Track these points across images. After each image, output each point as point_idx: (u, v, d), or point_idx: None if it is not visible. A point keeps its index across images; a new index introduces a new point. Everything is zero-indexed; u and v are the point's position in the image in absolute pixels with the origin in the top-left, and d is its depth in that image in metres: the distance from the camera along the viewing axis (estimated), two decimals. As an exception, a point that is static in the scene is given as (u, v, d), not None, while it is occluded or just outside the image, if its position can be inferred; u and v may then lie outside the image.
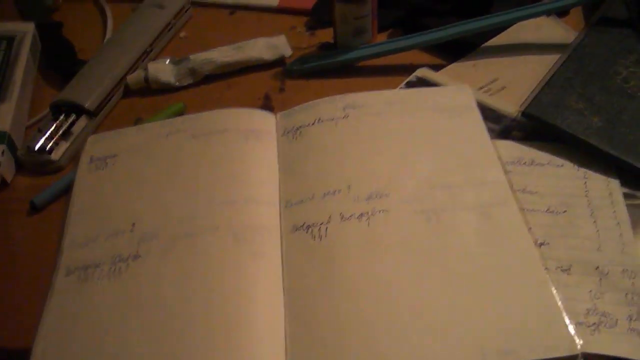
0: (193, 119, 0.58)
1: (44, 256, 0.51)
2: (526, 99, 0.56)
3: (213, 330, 0.43)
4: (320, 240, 0.48)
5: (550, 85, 0.55)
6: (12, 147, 0.59)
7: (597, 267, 0.44)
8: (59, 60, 0.71)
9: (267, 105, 0.62)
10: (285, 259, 0.47)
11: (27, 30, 0.69)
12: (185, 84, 0.65)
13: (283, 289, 0.46)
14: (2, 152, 0.57)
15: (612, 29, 0.61)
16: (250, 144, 0.55)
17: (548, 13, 0.64)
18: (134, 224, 0.50)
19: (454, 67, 0.63)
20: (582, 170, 0.51)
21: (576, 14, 0.68)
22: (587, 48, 0.59)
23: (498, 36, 0.65)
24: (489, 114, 0.56)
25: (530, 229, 0.47)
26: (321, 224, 0.49)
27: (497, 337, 0.41)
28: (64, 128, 0.60)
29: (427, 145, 0.53)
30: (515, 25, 0.65)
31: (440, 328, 0.42)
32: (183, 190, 0.52)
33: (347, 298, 0.44)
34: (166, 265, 0.47)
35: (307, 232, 0.48)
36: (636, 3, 0.63)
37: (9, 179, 0.58)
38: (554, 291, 0.43)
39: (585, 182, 0.50)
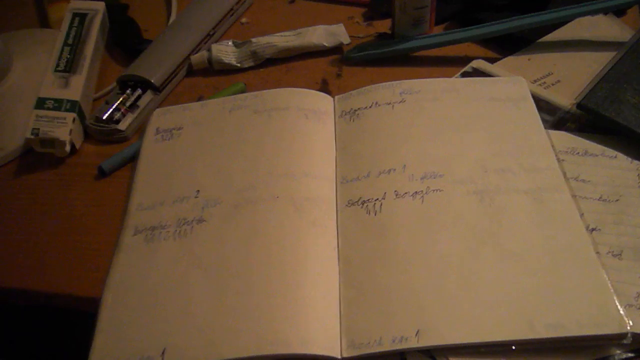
0: (255, 96, 0.61)
1: (111, 217, 0.54)
2: (581, 92, 0.57)
3: (272, 291, 0.45)
4: (375, 214, 0.50)
5: (606, 79, 0.56)
6: (81, 116, 0.62)
7: (649, 254, 0.45)
8: (125, 39, 0.74)
9: (325, 89, 0.64)
10: (341, 231, 0.50)
11: (98, 8, 0.72)
12: (246, 66, 0.68)
13: (338, 257, 0.48)
14: (73, 120, 0.61)
15: (670, 28, 0.62)
16: (310, 123, 0.57)
17: (605, 11, 0.65)
18: (198, 191, 0.52)
19: (509, 60, 0.64)
20: (635, 162, 0.52)
21: (634, 13, 0.69)
22: (645, 45, 0.60)
23: (554, 32, 0.66)
24: (543, 106, 0.58)
25: (582, 214, 0.48)
26: (376, 199, 0.51)
27: (546, 311, 0.42)
28: (130, 101, 0.64)
29: (481, 131, 0.55)
30: (571, 22, 0.66)
31: (490, 300, 0.43)
32: (245, 161, 0.54)
33: (400, 269, 0.46)
34: (229, 228, 0.49)
35: (362, 207, 0.50)
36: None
37: (78, 145, 0.62)
38: (604, 273, 0.44)
39: (638, 174, 0.51)
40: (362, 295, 0.45)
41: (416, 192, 0.50)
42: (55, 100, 0.62)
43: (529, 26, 0.63)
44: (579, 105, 0.55)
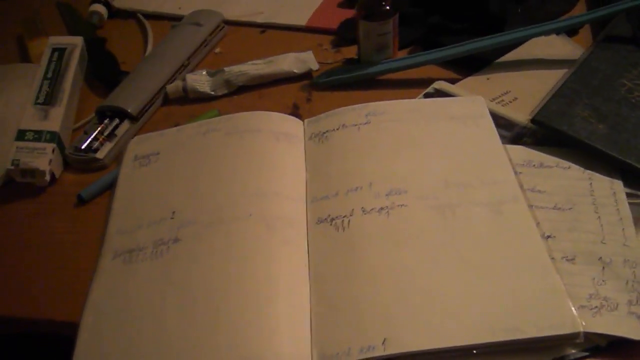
0: (228, 119, 0.63)
1: (90, 242, 0.56)
2: (535, 108, 0.60)
3: (245, 307, 0.47)
4: (343, 231, 0.52)
5: (558, 95, 0.59)
6: (61, 146, 0.65)
7: (600, 258, 0.48)
8: (103, 71, 0.77)
9: (296, 113, 0.67)
10: (311, 248, 0.52)
11: (76, 43, 0.75)
12: (220, 93, 0.71)
13: (309, 274, 0.50)
14: (53, 150, 0.63)
15: (617, 46, 0.65)
16: (280, 145, 0.60)
17: (558, 32, 0.69)
18: (174, 212, 0.54)
19: (469, 80, 0.68)
20: (588, 172, 0.55)
21: (585, 33, 0.73)
22: (594, 62, 0.63)
23: (511, 52, 0.70)
24: (502, 122, 0.61)
25: (538, 223, 0.51)
26: (344, 216, 0.53)
27: (505, 317, 0.44)
28: (108, 130, 0.66)
29: (442, 148, 0.57)
30: (527, 43, 0.70)
31: (453, 308, 0.45)
32: (219, 181, 0.57)
33: (368, 283, 0.48)
34: (203, 247, 0.51)
35: (331, 224, 0.53)
36: (638, 21, 0.67)
37: (57, 174, 0.64)
38: (559, 277, 0.46)
39: (591, 183, 0.54)
40: (332, 309, 0.47)
41: (382, 208, 0.53)
42: (35, 131, 0.64)
43: (487, 48, 0.66)
44: (533, 120, 0.58)
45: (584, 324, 0.43)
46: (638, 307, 0.44)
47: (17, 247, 0.57)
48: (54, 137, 0.64)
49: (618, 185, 0.53)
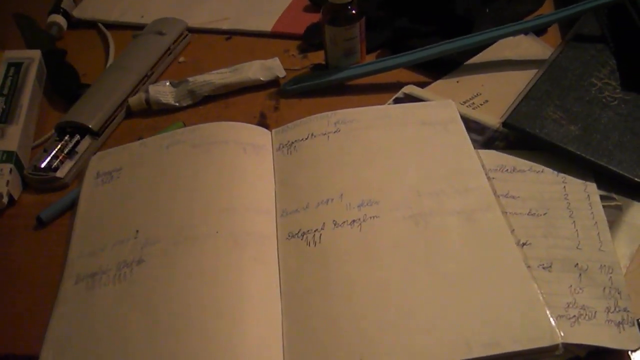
0: (193, 131, 0.61)
1: (50, 268, 0.53)
2: (506, 111, 0.59)
3: (214, 329, 0.45)
4: (315, 245, 0.50)
5: (529, 97, 0.59)
6: (19, 166, 0.62)
7: (577, 264, 0.47)
8: (63, 85, 0.74)
9: (263, 123, 0.65)
10: (282, 264, 0.50)
11: (33, 57, 0.72)
12: (184, 104, 0.69)
13: (280, 291, 0.48)
14: (10, 171, 0.60)
15: (586, 45, 0.65)
16: (248, 156, 0.58)
17: (526, 32, 0.68)
18: (137, 231, 0.52)
19: (438, 83, 0.66)
20: (561, 175, 0.54)
21: (554, 32, 0.72)
22: (563, 62, 0.63)
23: (480, 54, 0.69)
24: (473, 126, 0.60)
25: (513, 230, 0.50)
26: (315, 230, 0.51)
27: (482, 331, 0.43)
28: (68, 148, 0.63)
29: (414, 156, 0.56)
30: (495, 44, 0.69)
31: (428, 324, 0.44)
32: (184, 197, 0.54)
33: (341, 299, 0.46)
34: (168, 267, 0.49)
35: (302, 239, 0.51)
36: (606, 19, 0.67)
37: (16, 196, 0.61)
38: (536, 287, 0.45)
39: (564, 186, 0.53)
40: (304, 328, 0.45)
41: (354, 221, 0.51)
42: (-9, 152, 0.61)
43: (455, 50, 0.65)
44: (504, 124, 0.57)
45: (562, 334, 0.42)
46: (616, 315, 0.44)
47: (-28, 276, 0.54)
48: (11, 156, 0.61)
49: (592, 187, 0.52)
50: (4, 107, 0.66)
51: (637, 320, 0.43)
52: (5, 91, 0.68)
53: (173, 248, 0.50)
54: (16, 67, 0.71)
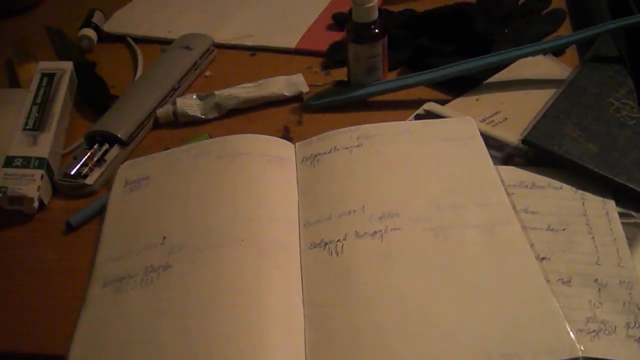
0: (219, 142, 0.63)
1: (80, 271, 0.55)
2: (526, 128, 0.61)
3: (238, 336, 0.46)
4: (337, 255, 0.51)
5: (548, 115, 0.60)
6: (49, 172, 0.64)
7: (596, 279, 0.48)
8: (93, 95, 0.76)
9: (286, 136, 0.67)
10: (305, 273, 0.51)
11: (66, 68, 0.75)
12: (210, 117, 0.71)
13: (303, 300, 0.49)
14: (41, 177, 0.62)
15: (603, 65, 0.66)
16: (272, 168, 0.59)
17: (544, 52, 0.70)
18: (164, 238, 0.54)
19: (458, 101, 0.68)
20: (580, 192, 0.55)
21: (571, 53, 0.73)
22: (581, 82, 0.64)
23: (499, 73, 0.70)
24: (492, 143, 0.61)
25: (532, 245, 0.51)
26: (337, 241, 0.52)
27: (502, 342, 0.43)
28: (98, 156, 0.65)
29: (434, 170, 0.57)
30: (515, 63, 0.70)
31: (449, 334, 0.45)
32: (209, 205, 0.56)
33: (362, 308, 0.47)
34: (194, 273, 0.50)
35: (324, 249, 0.52)
36: (624, 41, 0.68)
37: (46, 201, 0.63)
38: (555, 300, 0.46)
39: (583, 203, 0.54)
40: (327, 337, 0.46)
41: (375, 232, 0.52)
42: (24, 158, 0.63)
43: (475, 69, 0.67)
44: (523, 141, 0.58)
45: (582, 348, 0.43)
46: (636, 330, 0.44)
47: (3, 277, 0.56)
48: (42, 163, 0.63)
49: (610, 204, 0.53)
50: (37, 115, 0.68)
51: (656, 336, 0.44)
52: (39, 100, 0.70)
53: (198, 254, 0.52)
54: (49, 78, 0.73)
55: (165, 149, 0.67)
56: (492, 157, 0.58)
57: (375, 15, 0.65)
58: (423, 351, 0.44)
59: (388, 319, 0.46)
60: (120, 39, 0.89)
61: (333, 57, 0.77)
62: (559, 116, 0.60)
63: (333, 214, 0.55)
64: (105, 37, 0.89)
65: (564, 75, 0.68)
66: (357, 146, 0.61)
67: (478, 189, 0.55)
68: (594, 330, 0.44)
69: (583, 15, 0.79)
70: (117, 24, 0.90)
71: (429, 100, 0.68)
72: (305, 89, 0.72)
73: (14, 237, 0.60)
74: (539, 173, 0.57)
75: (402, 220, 0.53)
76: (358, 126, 0.63)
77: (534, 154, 0.59)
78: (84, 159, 0.65)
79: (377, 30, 0.66)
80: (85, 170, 0.64)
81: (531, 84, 0.69)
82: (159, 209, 0.57)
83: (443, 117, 0.65)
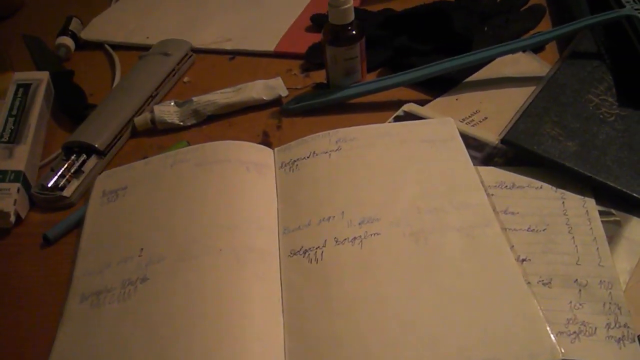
0: (196, 150, 0.62)
1: (56, 286, 0.54)
2: (505, 128, 0.60)
3: (216, 347, 0.45)
4: (317, 262, 0.51)
5: (527, 114, 0.59)
6: (26, 185, 0.63)
7: (576, 280, 0.47)
8: (71, 105, 0.75)
9: (266, 141, 0.66)
10: (284, 281, 0.50)
11: (42, 78, 0.74)
12: (189, 124, 0.70)
13: (282, 309, 0.48)
14: (18, 190, 0.61)
15: (583, 61, 0.65)
16: (250, 175, 0.59)
17: (524, 49, 0.69)
18: (142, 249, 0.53)
19: (438, 101, 0.67)
20: (560, 191, 0.54)
21: (552, 49, 0.73)
22: (561, 79, 0.63)
23: (479, 72, 0.70)
24: (472, 143, 0.60)
25: (512, 246, 0.50)
26: (317, 248, 0.52)
27: (483, 347, 0.43)
28: (75, 167, 0.65)
29: (414, 173, 0.57)
30: (494, 61, 0.70)
31: (430, 340, 0.44)
32: (187, 215, 0.55)
33: (343, 315, 0.47)
34: (172, 285, 0.50)
35: (304, 256, 0.52)
36: (603, 37, 0.68)
37: (23, 214, 0.62)
38: (536, 303, 0.46)
39: (563, 202, 0.53)
40: (307, 345, 0.46)
41: (355, 238, 0.52)
42: (-1, 171, 0.62)
43: (455, 68, 0.66)
44: (502, 141, 0.58)
45: (562, 351, 0.42)
46: (616, 330, 0.44)
47: (-20, 294, 0.55)
48: (18, 176, 0.62)
49: (590, 203, 0.53)
50: (13, 127, 0.67)
51: (638, 336, 0.43)
52: (14, 112, 0.69)
53: (176, 266, 0.51)
54: (25, 88, 0.72)
55: (144, 158, 0.66)
56: (472, 157, 0.58)
57: (351, 16, 0.64)
58: (404, 358, 0.44)
59: (368, 326, 0.46)
60: (99, 46, 0.88)
61: (312, 60, 0.77)
62: (538, 114, 0.59)
63: (312, 221, 0.54)
64: (83, 45, 0.88)
65: (544, 72, 0.68)
66: (336, 150, 0.60)
67: (458, 191, 0.54)
68: (574, 332, 0.44)
69: (562, 11, 0.78)
70: (94, 31, 0.89)
71: (408, 101, 0.67)
72: (284, 92, 0.71)
73: (-10, 253, 0.59)
74: (519, 173, 0.56)
75: (382, 225, 0.52)
76: (337, 130, 0.62)
77: (513, 153, 0.58)
78: (61, 171, 0.64)
79: (354, 32, 0.65)
80: (63, 182, 0.63)
81: (511, 81, 0.68)
82: (136, 220, 0.56)
83: (423, 118, 0.65)
